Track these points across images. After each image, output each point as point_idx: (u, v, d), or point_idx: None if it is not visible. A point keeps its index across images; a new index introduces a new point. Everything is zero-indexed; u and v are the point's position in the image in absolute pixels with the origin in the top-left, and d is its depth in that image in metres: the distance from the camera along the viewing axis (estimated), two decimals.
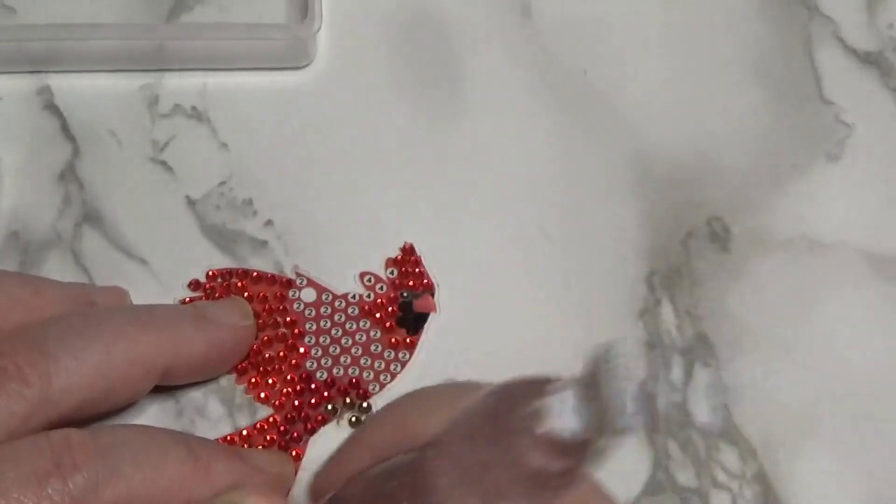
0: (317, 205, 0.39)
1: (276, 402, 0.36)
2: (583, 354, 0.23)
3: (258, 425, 0.35)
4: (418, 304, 0.37)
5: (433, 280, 0.38)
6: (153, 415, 0.35)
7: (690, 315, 0.38)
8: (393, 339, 0.37)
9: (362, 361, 0.36)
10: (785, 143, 0.41)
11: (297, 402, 0.36)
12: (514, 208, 0.39)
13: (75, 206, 0.38)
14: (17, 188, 0.38)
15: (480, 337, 0.37)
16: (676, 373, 0.37)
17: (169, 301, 0.37)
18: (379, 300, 0.37)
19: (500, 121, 0.40)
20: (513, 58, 0.41)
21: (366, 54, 0.41)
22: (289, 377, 0.36)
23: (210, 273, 0.37)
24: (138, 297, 0.36)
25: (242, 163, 0.39)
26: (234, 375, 0.36)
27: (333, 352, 0.37)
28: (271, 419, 0.36)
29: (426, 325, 0.37)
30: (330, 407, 0.36)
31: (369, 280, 0.37)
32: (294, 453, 0.35)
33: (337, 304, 0.37)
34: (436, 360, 0.37)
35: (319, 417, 0.36)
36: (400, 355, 0.37)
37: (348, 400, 0.36)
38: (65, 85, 0.40)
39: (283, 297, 0.37)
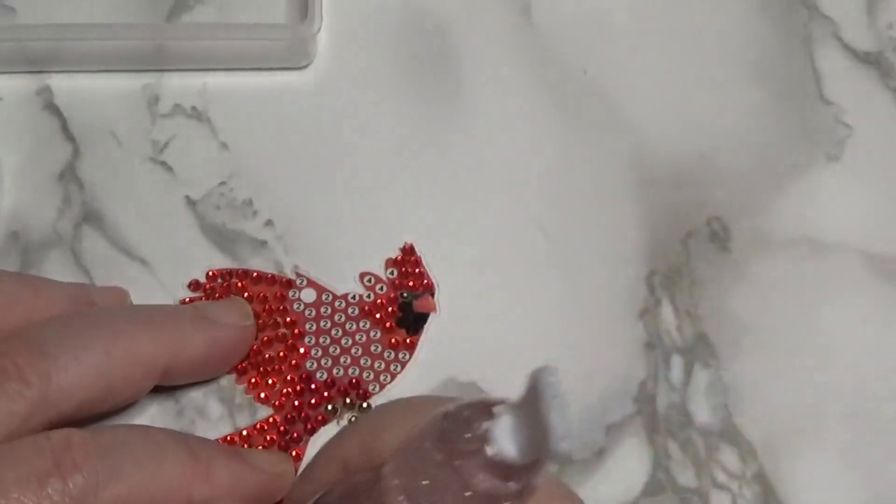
0: (317, 205, 0.39)
1: (276, 403, 0.36)
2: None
3: (258, 425, 0.35)
4: (418, 305, 0.37)
5: (433, 280, 0.38)
6: (153, 415, 0.35)
7: (690, 315, 0.38)
8: (393, 340, 0.37)
9: (362, 362, 0.36)
10: (785, 143, 0.41)
11: (297, 403, 0.36)
12: (514, 208, 0.39)
13: (75, 206, 0.38)
14: (17, 188, 0.38)
15: (480, 337, 0.37)
16: (676, 373, 0.38)
17: (169, 301, 0.37)
18: (379, 300, 0.37)
19: (500, 120, 0.40)
20: (513, 58, 0.41)
21: (366, 54, 0.41)
22: (289, 377, 0.36)
23: (210, 273, 0.37)
24: (138, 297, 0.36)
25: (242, 163, 0.39)
26: (234, 375, 0.36)
27: (333, 352, 0.37)
28: (271, 419, 0.36)
29: (426, 325, 0.37)
30: (330, 407, 0.36)
31: (369, 280, 0.37)
32: (294, 453, 0.35)
33: (337, 304, 0.37)
34: (436, 360, 0.37)
35: (319, 417, 0.36)
36: (400, 355, 0.37)
37: (348, 400, 0.36)
38: (65, 85, 0.40)
39: (283, 298, 0.37)
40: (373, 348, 0.37)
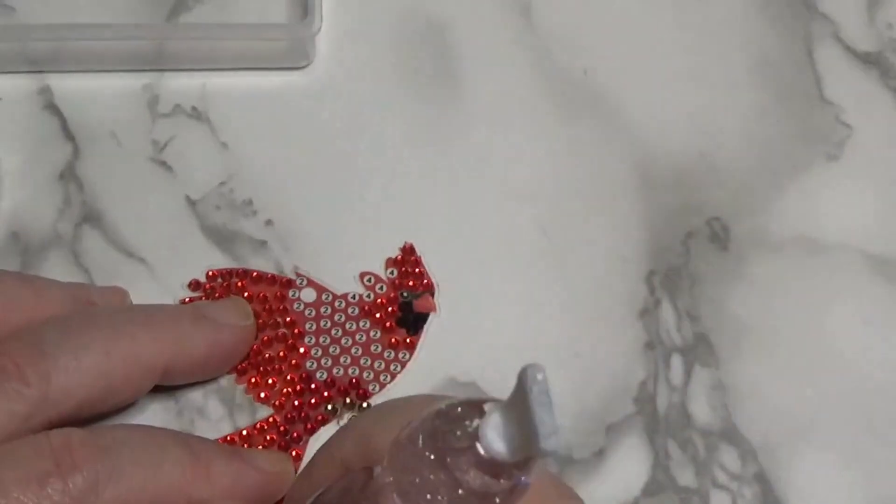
0: (317, 204, 0.39)
1: (276, 402, 0.36)
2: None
3: (258, 425, 0.35)
4: (418, 304, 0.37)
5: (433, 280, 0.38)
6: (153, 415, 0.35)
7: (690, 315, 0.38)
8: (393, 339, 0.37)
9: (362, 361, 0.36)
10: (785, 143, 0.41)
11: (297, 402, 0.36)
12: (514, 208, 0.39)
13: (75, 206, 0.38)
14: (17, 188, 0.38)
15: (480, 337, 0.37)
16: (676, 373, 0.38)
17: (169, 301, 0.37)
18: (379, 300, 0.37)
19: (500, 121, 0.40)
20: (513, 58, 0.41)
21: (366, 54, 0.41)
22: (289, 377, 0.36)
23: (210, 273, 0.37)
24: (138, 297, 0.36)
25: (242, 163, 0.39)
26: (234, 375, 0.36)
27: (333, 352, 0.37)
28: (271, 419, 0.36)
29: (426, 325, 0.37)
30: (330, 407, 0.36)
31: (369, 280, 0.37)
32: (294, 453, 0.35)
33: (337, 304, 0.37)
34: (436, 360, 0.37)
35: (319, 417, 0.36)
36: (400, 355, 0.37)
37: (348, 400, 0.36)
38: (65, 85, 0.40)
39: (283, 297, 0.37)
40: (373, 348, 0.37)
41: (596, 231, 0.39)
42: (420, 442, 0.23)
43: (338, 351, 0.37)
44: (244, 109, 0.40)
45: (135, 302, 0.36)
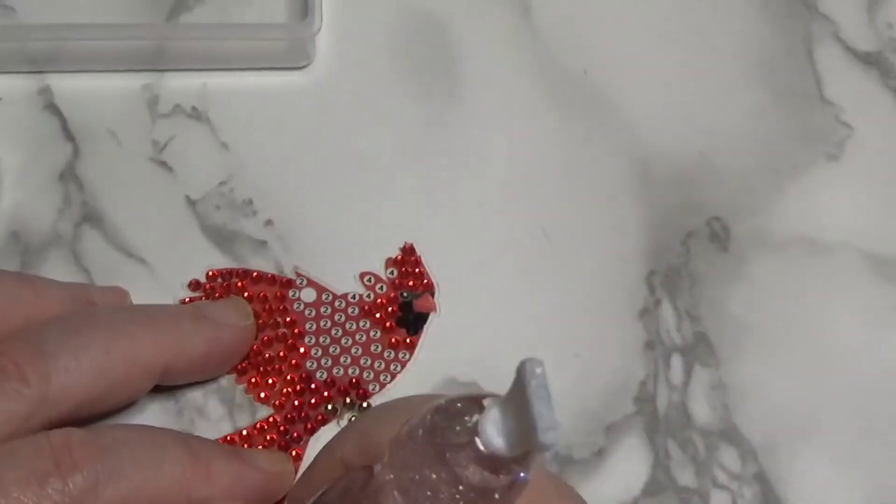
0: (317, 204, 0.39)
1: (276, 402, 0.36)
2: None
3: (258, 425, 0.35)
4: (418, 304, 0.37)
5: (433, 280, 0.38)
6: (153, 415, 0.35)
7: (690, 315, 0.38)
8: (393, 339, 0.37)
9: (362, 361, 0.36)
10: (785, 143, 0.41)
11: (297, 402, 0.36)
12: (514, 208, 0.39)
13: (75, 206, 0.38)
14: (17, 188, 0.38)
15: (480, 337, 0.37)
16: (676, 373, 0.38)
17: (169, 301, 0.37)
18: (379, 300, 0.37)
19: (500, 121, 0.40)
20: (513, 58, 0.41)
21: (366, 54, 0.41)
22: (289, 377, 0.36)
23: (210, 273, 0.37)
24: (138, 297, 0.36)
25: (242, 163, 0.39)
26: (234, 375, 0.36)
27: (333, 352, 0.37)
28: (271, 419, 0.36)
29: (426, 325, 0.37)
30: (330, 407, 0.36)
31: (369, 280, 0.37)
32: (294, 453, 0.35)
33: (337, 304, 0.37)
34: (436, 360, 0.37)
35: (319, 417, 0.36)
36: (400, 355, 0.37)
37: (348, 400, 0.36)
38: (65, 85, 0.40)
39: (283, 297, 0.37)
40: (373, 348, 0.37)
41: (596, 231, 0.39)
42: (419, 438, 0.23)
43: (338, 351, 0.37)
44: (244, 109, 0.40)
45: (135, 302, 0.36)
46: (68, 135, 0.39)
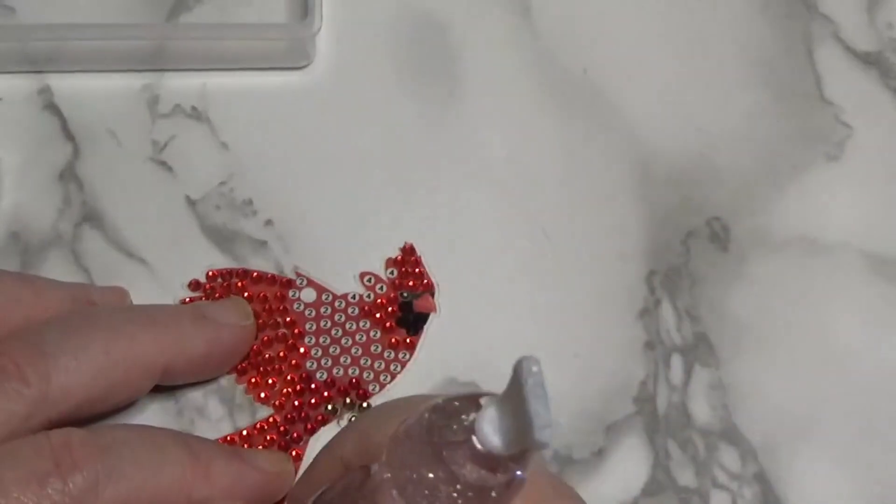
0: (317, 205, 0.39)
1: (276, 403, 0.36)
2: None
3: (258, 425, 0.35)
4: (418, 304, 0.37)
5: (433, 280, 0.38)
6: (153, 415, 0.35)
7: (690, 315, 0.38)
8: (393, 339, 0.37)
9: (362, 361, 0.36)
10: (785, 143, 0.41)
11: (297, 403, 0.36)
12: (513, 208, 0.39)
13: (75, 206, 0.38)
14: (17, 188, 0.38)
15: (480, 337, 0.37)
16: (676, 373, 0.38)
17: (169, 301, 0.37)
18: (379, 300, 0.37)
19: (500, 121, 0.40)
20: (513, 58, 0.41)
21: (366, 54, 0.41)
22: (289, 377, 0.36)
23: (210, 273, 0.37)
24: (138, 297, 0.36)
25: (242, 163, 0.39)
26: (234, 375, 0.36)
27: (333, 352, 0.37)
28: (271, 419, 0.36)
29: (426, 325, 0.37)
30: (330, 407, 0.36)
31: (369, 280, 0.37)
32: (294, 453, 0.35)
33: (337, 304, 0.37)
34: (436, 360, 0.37)
35: (319, 417, 0.36)
36: (400, 355, 0.37)
37: (348, 400, 0.36)
38: (65, 85, 0.40)
39: (283, 297, 0.37)
40: (373, 348, 0.37)
41: (596, 231, 0.39)
42: (417, 437, 0.23)
43: (338, 351, 0.37)
44: (244, 109, 0.40)
45: (135, 302, 0.36)
46: (68, 135, 0.39)
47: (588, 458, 0.36)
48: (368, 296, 0.37)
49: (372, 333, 0.37)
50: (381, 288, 0.37)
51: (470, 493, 0.23)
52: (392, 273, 0.38)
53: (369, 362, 0.36)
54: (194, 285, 0.37)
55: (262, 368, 0.36)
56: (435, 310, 0.37)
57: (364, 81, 0.41)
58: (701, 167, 0.40)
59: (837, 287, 0.39)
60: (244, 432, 0.35)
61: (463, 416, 0.23)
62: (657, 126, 0.41)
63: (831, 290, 0.39)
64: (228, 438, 0.35)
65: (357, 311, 0.37)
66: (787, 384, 0.37)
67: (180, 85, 0.40)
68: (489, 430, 0.22)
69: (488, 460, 0.22)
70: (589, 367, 0.37)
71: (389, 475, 0.24)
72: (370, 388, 0.36)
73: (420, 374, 0.36)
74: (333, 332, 0.37)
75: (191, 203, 0.38)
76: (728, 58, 0.42)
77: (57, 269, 0.37)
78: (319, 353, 0.36)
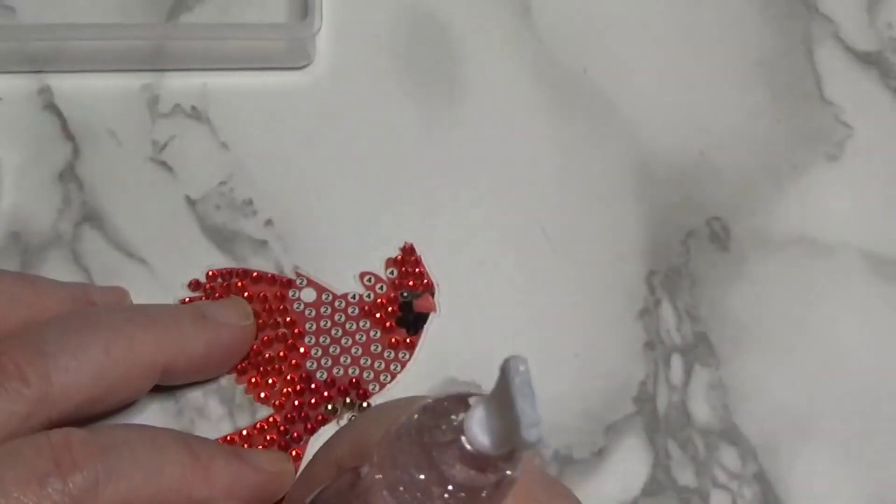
0: (317, 205, 0.39)
1: (276, 402, 0.36)
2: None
3: (258, 425, 0.35)
4: (418, 304, 0.37)
5: (433, 280, 0.38)
6: (153, 415, 0.35)
7: (690, 315, 0.38)
8: (393, 339, 0.37)
9: (362, 361, 0.36)
10: (785, 143, 0.41)
11: (297, 402, 0.36)
12: (514, 208, 0.39)
13: (75, 206, 0.38)
14: (17, 188, 0.38)
15: (480, 337, 0.37)
16: (676, 373, 0.38)
17: (169, 301, 0.37)
18: (379, 300, 0.37)
19: (500, 121, 0.40)
20: (513, 58, 0.41)
21: (366, 54, 0.41)
22: (289, 377, 0.36)
23: (210, 273, 0.37)
24: (138, 297, 0.36)
25: (242, 163, 0.39)
26: (234, 375, 0.36)
27: (333, 352, 0.37)
28: (271, 419, 0.36)
29: (426, 325, 0.37)
30: (330, 407, 0.36)
31: (369, 280, 0.37)
32: (294, 453, 0.35)
33: (337, 304, 0.37)
34: (436, 360, 0.37)
35: (319, 417, 0.36)
36: (400, 355, 0.37)
37: (348, 400, 0.36)
38: (65, 85, 0.40)
39: (283, 297, 0.37)
40: (373, 348, 0.37)
41: (596, 231, 0.39)
42: (407, 437, 0.23)
43: (338, 351, 0.37)
44: (244, 109, 0.40)
45: (135, 302, 0.36)
46: (68, 135, 0.39)
47: (588, 458, 0.36)
48: (368, 296, 0.37)
49: (372, 333, 0.37)
50: (381, 288, 0.37)
51: (461, 494, 0.23)
52: (392, 273, 0.38)
53: (369, 362, 0.36)
54: (194, 285, 0.37)
55: (262, 368, 0.36)
56: (435, 310, 0.37)
57: (364, 81, 0.41)
58: (701, 167, 0.40)
59: (837, 287, 0.39)
60: (244, 432, 0.35)
61: (452, 417, 0.23)
62: (657, 126, 0.41)
63: (831, 290, 0.39)
64: (228, 438, 0.35)
65: (357, 311, 0.37)
66: (787, 384, 0.37)
67: (180, 85, 0.40)
68: (478, 430, 0.22)
69: (478, 460, 0.22)
70: (589, 367, 0.37)
71: (380, 476, 0.24)
72: (370, 387, 0.36)
73: (420, 374, 0.36)
74: (333, 331, 0.37)
75: (191, 203, 0.38)
76: (728, 58, 0.42)
77: (57, 269, 0.37)
78: (319, 352, 0.36)
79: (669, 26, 0.42)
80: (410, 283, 0.37)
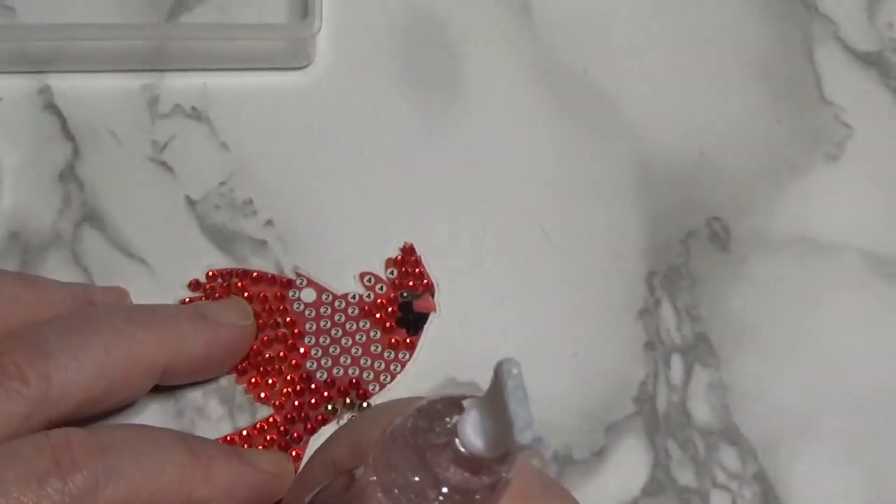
0: (317, 205, 0.39)
1: (276, 403, 0.36)
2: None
3: (258, 425, 0.35)
4: (418, 304, 0.37)
5: (433, 280, 0.38)
6: (153, 415, 0.35)
7: (690, 315, 0.38)
8: (393, 340, 0.37)
9: (362, 361, 0.36)
10: (785, 143, 0.41)
11: (297, 403, 0.36)
12: (514, 208, 0.39)
13: (75, 206, 0.38)
14: (17, 188, 0.38)
15: (480, 337, 0.37)
16: (676, 373, 0.38)
17: (169, 301, 0.37)
18: (379, 300, 0.37)
19: (500, 120, 0.40)
20: (513, 58, 0.41)
21: (366, 54, 0.41)
22: (289, 377, 0.36)
23: (210, 273, 0.37)
24: (138, 297, 0.36)
25: (242, 163, 0.39)
26: (234, 375, 0.36)
27: (333, 352, 0.37)
28: (271, 419, 0.36)
29: (426, 325, 0.37)
30: (330, 407, 0.36)
31: (369, 280, 0.37)
32: (294, 453, 0.35)
33: (337, 304, 0.37)
34: (436, 360, 0.37)
35: (319, 418, 0.36)
36: (400, 355, 0.37)
37: (348, 400, 0.36)
38: (65, 85, 0.40)
39: (283, 298, 0.37)
40: (373, 348, 0.37)
41: (596, 231, 0.39)
42: (401, 439, 0.23)
43: (338, 351, 0.37)
44: (244, 109, 0.40)
45: (135, 302, 0.36)
46: (68, 135, 0.39)
47: (588, 458, 0.36)
48: (368, 296, 0.37)
49: (372, 333, 0.37)
50: (381, 288, 0.37)
51: (456, 496, 0.23)
52: (392, 273, 0.38)
53: (369, 362, 0.36)
54: (194, 285, 0.37)
55: (262, 368, 0.36)
56: (435, 310, 0.37)
57: (364, 81, 0.41)
58: (701, 167, 0.40)
59: (837, 287, 0.39)
60: (244, 432, 0.35)
61: (446, 419, 0.23)
62: (657, 126, 0.41)
63: (831, 290, 0.39)
64: (228, 438, 0.35)
65: (357, 311, 0.37)
66: (787, 384, 0.37)
67: (180, 85, 0.40)
68: (471, 433, 0.22)
69: (472, 463, 0.22)
70: (589, 367, 0.37)
71: (375, 478, 0.24)
72: (370, 388, 0.36)
73: (420, 374, 0.36)
74: (333, 332, 0.37)
75: (191, 203, 0.38)
76: (728, 58, 0.42)
77: (57, 269, 0.37)
78: (319, 353, 0.36)
79: (669, 26, 0.42)
80: (410, 283, 0.37)
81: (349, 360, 0.36)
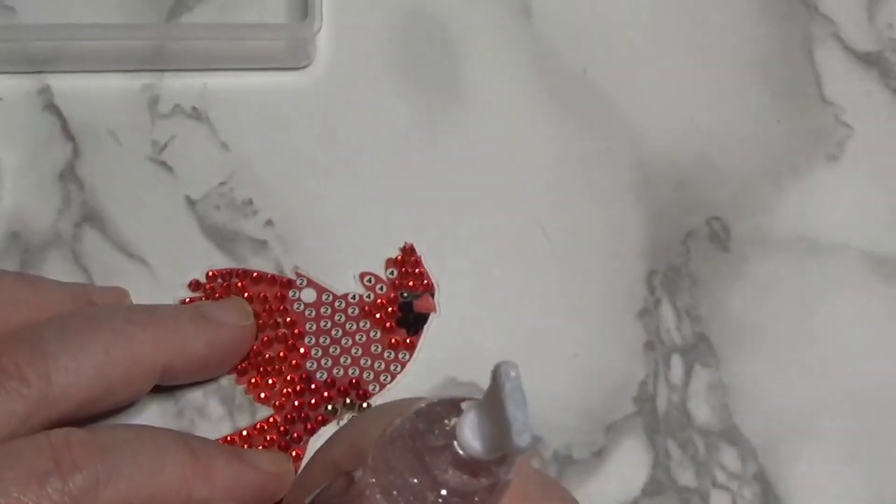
0: (317, 205, 0.39)
1: (277, 403, 0.36)
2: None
3: (258, 425, 0.35)
4: (418, 305, 0.37)
5: (433, 280, 0.38)
6: (153, 415, 0.35)
7: (690, 315, 0.38)
8: (393, 340, 0.37)
9: (362, 362, 0.36)
10: (785, 144, 0.41)
11: (297, 403, 0.36)
12: (514, 208, 0.39)
13: (75, 206, 0.38)
14: (17, 188, 0.38)
15: (480, 337, 0.37)
16: (676, 373, 0.38)
17: (169, 301, 0.37)
18: (379, 300, 0.37)
19: (500, 120, 0.40)
20: (513, 58, 0.41)
21: (366, 54, 0.41)
22: (289, 377, 0.36)
23: (210, 273, 0.37)
24: (138, 297, 0.36)
25: (242, 163, 0.39)
26: (234, 375, 0.36)
27: (333, 352, 0.37)
28: (271, 419, 0.36)
29: (426, 325, 0.37)
30: (330, 407, 0.36)
31: (369, 280, 0.37)
32: (294, 453, 0.35)
33: (337, 304, 0.37)
34: (436, 360, 0.37)
35: (319, 418, 0.36)
36: (400, 355, 0.37)
37: (348, 400, 0.36)
38: (65, 85, 0.40)
39: (283, 298, 0.37)
40: (373, 348, 0.37)
41: (596, 231, 0.39)
42: (400, 441, 0.23)
43: (338, 351, 0.37)
44: (244, 109, 0.40)
45: (135, 302, 0.36)
46: (68, 135, 0.39)
47: (588, 458, 0.36)
48: (368, 296, 0.37)
49: (372, 333, 0.37)
50: (381, 288, 0.37)
51: (455, 498, 0.23)
52: (392, 273, 0.38)
53: (369, 362, 0.36)
54: (194, 285, 0.37)
55: (262, 368, 0.36)
56: (435, 310, 0.37)
57: (364, 81, 0.41)
58: (701, 167, 0.40)
59: (837, 287, 0.39)
60: (244, 432, 0.35)
61: (445, 421, 0.23)
62: (657, 126, 0.41)
63: (831, 290, 0.39)
64: (228, 438, 0.35)
65: (357, 311, 0.37)
66: (787, 384, 0.37)
67: (180, 85, 0.40)
68: (469, 435, 0.22)
69: (470, 465, 0.23)
70: (589, 367, 0.37)
71: (374, 480, 0.24)
72: (370, 388, 0.36)
73: (420, 374, 0.36)
74: (333, 332, 0.37)
75: (191, 203, 0.38)
76: (728, 58, 0.42)
77: (57, 269, 0.37)
78: (319, 353, 0.36)
79: (669, 26, 0.42)
80: (410, 283, 0.37)
81: (349, 361, 0.36)
